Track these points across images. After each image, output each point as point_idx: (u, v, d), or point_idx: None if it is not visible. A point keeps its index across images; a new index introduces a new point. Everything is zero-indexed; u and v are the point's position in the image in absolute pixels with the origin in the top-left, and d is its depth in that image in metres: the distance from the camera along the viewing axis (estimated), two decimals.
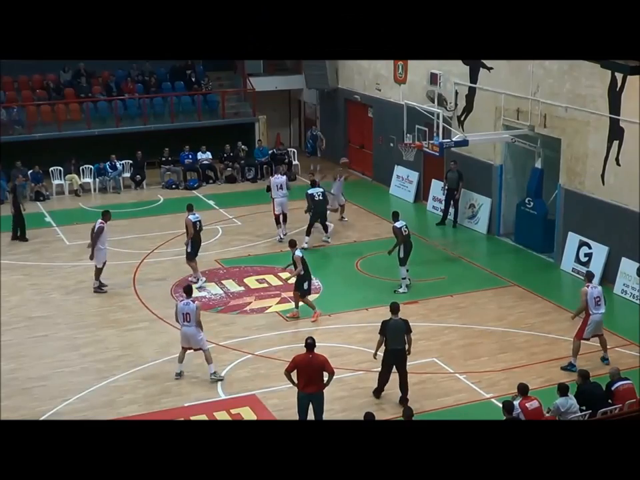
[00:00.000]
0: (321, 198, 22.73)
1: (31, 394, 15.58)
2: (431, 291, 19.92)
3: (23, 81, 31.06)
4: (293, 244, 18.70)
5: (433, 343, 17.36)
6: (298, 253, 18.43)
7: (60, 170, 28.96)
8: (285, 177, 23.87)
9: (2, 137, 28.47)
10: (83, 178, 29.10)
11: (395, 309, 15.04)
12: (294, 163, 30.98)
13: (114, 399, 15.39)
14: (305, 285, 18.38)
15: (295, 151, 31.83)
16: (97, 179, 29.17)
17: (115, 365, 16.55)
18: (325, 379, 13.69)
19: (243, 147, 30.60)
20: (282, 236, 23.27)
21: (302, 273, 18.24)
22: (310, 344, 13.64)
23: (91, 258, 19.96)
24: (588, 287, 16.33)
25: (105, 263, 20.19)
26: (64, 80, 31.26)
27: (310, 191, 22.83)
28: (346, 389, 15.48)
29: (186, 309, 15.78)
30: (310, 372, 13.54)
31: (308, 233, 22.67)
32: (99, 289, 20.17)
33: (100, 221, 20.04)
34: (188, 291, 16.32)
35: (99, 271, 20.16)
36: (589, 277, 16.82)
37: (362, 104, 30.28)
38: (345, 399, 15.12)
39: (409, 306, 18.87)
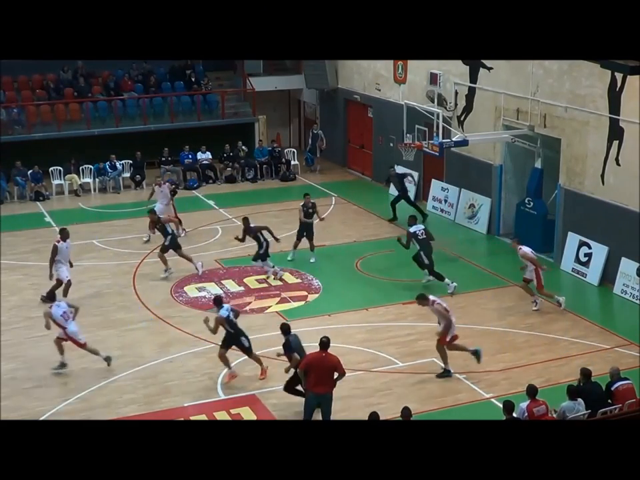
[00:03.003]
0: (424, 236, 20.32)
1: (31, 394, 15.57)
2: (430, 291, 19.76)
3: (22, 81, 31.08)
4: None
5: (433, 343, 17.25)
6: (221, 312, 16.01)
7: (60, 170, 28.97)
8: (166, 185, 24.06)
9: (2, 137, 28.49)
10: (83, 178, 29.13)
11: (285, 330, 14.65)
12: (293, 162, 31.00)
13: (113, 399, 15.38)
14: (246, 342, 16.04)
15: (295, 150, 31.84)
16: (97, 179, 29.19)
17: (114, 365, 16.50)
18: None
19: (243, 147, 30.60)
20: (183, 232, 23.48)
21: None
22: (325, 342, 13.59)
23: (50, 278, 19.10)
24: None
25: (69, 280, 19.30)
26: (64, 80, 31.27)
27: (412, 229, 20.39)
28: (346, 389, 15.41)
29: None
30: (321, 371, 13.51)
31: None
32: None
33: (56, 239, 19.40)
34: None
35: (66, 287, 19.25)
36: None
37: (362, 104, 30.28)
38: (344, 399, 15.07)
39: (408, 306, 18.87)
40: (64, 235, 19.56)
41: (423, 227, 20.70)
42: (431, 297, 16.20)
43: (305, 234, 21.97)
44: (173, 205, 23.86)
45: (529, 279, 18.82)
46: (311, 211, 22.02)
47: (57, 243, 19.24)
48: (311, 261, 21.80)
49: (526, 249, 18.77)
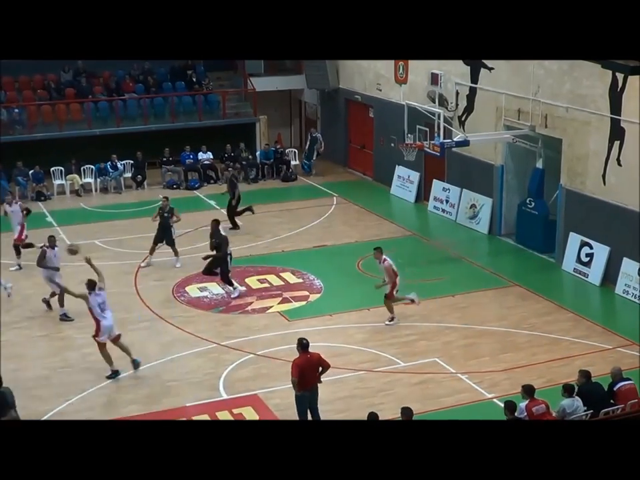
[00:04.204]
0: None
1: (33, 394, 15.56)
2: (432, 291, 19.86)
3: (23, 81, 31.06)
4: None
5: (434, 343, 17.35)
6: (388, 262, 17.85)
7: (61, 170, 29.00)
8: (17, 205, 22.34)
9: (3, 137, 28.51)
10: (84, 178, 29.15)
11: None
12: (294, 163, 30.98)
13: (115, 399, 15.41)
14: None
15: (296, 151, 31.81)
16: (98, 179, 29.21)
17: (116, 364, 16.48)
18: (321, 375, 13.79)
19: (248, 156, 30.45)
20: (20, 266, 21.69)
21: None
22: (306, 344, 13.65)
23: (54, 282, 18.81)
24: (90, 294, 15.96)
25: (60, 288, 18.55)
26: (65, 80, 31.29)
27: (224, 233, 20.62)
28: (346, 389, 15.48)
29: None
30: (311, 371, 13.63)
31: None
32: (65, 316, 18.72)
33: (45, 244, 19.04)
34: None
35: (60, 297, 18.67)
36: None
37: (363, 104, 30.28)
38: (345, 399, 15.12)
39: (409, 306, 18.85)
40: (51, 242, 19.13)
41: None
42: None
43: (162, 239, 21.73)
44: (23, 226, 21.86)
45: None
46: (166, 214, 21.87)
47: (45, 249, 18.93)
48: (177, 265, 21.45)
49: (390, 263, 17.97)
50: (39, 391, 15.75)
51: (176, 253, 21.77)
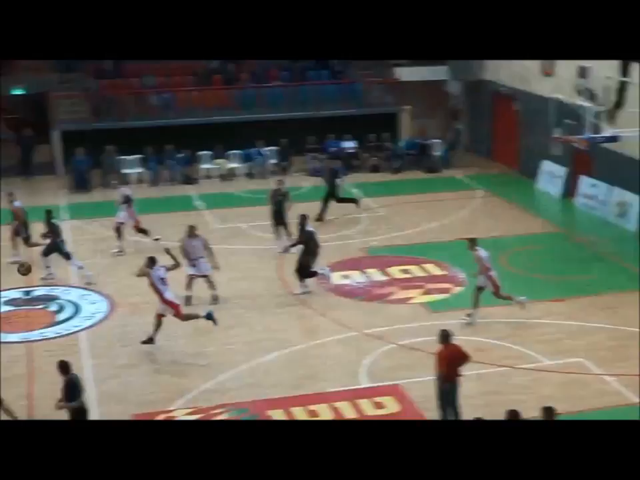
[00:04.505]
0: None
1: (179, 371, 16.15)
2: (578, 289, 19.47)
3: (174, 67, 31.89)
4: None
5: (580, 342, 16.97)
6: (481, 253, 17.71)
7: (209, 154, 29.71)
8: (118, 191, 23.02)
9: (154, 121, 29.46)
10: (231, 163, 29.79)
11: (65, 367, 12.93)
12: (437, 154, 30.77)
13: (259, 381, 15.68)
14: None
15: (440, 142, 31.53)
16: (245, 165, 29.81)
17: (260, 347, 16.85)
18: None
19: (393, 147, 30.50)
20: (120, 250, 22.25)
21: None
22: (448, 336, 13.67)
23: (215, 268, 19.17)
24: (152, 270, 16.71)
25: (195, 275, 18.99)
26: (212, 67, 32.04)
27: (311, 229, 19.97)
28: (489, 384, 15.35)
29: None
30: (454, 364, 13.60)
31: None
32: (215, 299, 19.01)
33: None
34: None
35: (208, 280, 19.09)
36: None
37: (508, 96, 29.85)
38: (488, 395, 14.97)
39: (555, 303, 18.54)
40: (189, 231, 19.05)
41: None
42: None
43: (278, 221, 21.78)
44: (129, 212, 22.54)
45: (482, 285, 17.71)
46: (280, 197, 21.79)
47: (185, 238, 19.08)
48: (292, 251, 20.45)
49: (481, 253, 17.62)
50: (186, 368, 16.26)
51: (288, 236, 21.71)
